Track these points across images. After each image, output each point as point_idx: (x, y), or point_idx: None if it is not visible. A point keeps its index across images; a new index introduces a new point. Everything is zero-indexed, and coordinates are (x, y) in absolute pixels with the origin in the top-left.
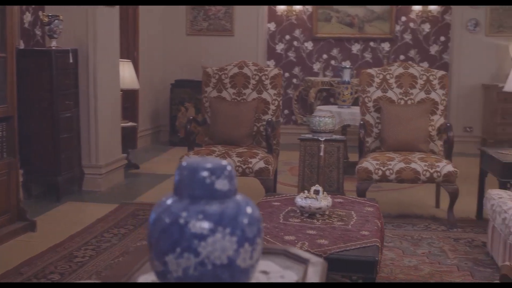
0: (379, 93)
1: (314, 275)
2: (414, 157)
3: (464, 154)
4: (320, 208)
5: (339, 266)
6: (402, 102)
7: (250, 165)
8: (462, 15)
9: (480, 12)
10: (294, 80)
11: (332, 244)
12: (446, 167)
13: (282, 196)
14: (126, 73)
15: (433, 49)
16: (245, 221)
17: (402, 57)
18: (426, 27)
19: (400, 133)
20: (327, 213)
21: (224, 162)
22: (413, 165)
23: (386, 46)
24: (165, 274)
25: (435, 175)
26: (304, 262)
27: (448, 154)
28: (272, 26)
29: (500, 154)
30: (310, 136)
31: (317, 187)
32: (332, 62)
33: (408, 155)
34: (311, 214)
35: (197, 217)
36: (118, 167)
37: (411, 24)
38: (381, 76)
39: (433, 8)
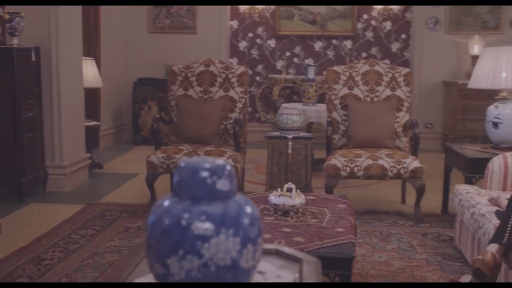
0: (345, 91)
1: (310, 274)
2: (381, 154)
3: (425, 150)
4: (294, 206)
5: None
6: (368, 99)
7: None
8: (423, 13)
9: (440, 10)
10: (257, 78)
11: (308, 241)
12: (412, 163)
13: (253, 194)
14: (89, 72)
15: (395, 46)
16: (247, 221)
17: (364, 54)
18: (388, 25)
19: (366, 130)
20: (300, 210)
21: (223, 162)
22: (380, 162)
23: (348, 43)
24: (166, 277)
25: (402, 171)
26: (297, 261)
27: (414, 150)
28: (234, 23)
29: (466, 150)
30: (277, 134)
31: (290, 184)
32: (295, 59)
33: (375, 151)
34: (285, 212)
35: (199, 218)
36: (82, 167)
37: (373, 22)
38: (347, 74)
39: (394, 6)
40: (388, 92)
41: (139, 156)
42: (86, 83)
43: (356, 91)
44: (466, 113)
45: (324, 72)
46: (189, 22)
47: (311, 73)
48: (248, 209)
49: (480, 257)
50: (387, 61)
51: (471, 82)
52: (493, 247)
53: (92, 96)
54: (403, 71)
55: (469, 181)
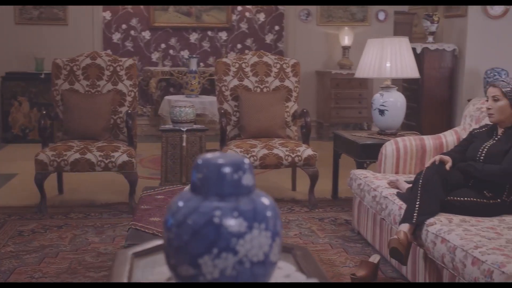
0: (235, 82)
1: (307, 262)
2: (274, 143)
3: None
4: None
5: None
6: (258, 90)
7: (113, 159)
8: (295, 5)
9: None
10: None
11: None
12: (306, 151)
13: (162, 189)
14: None
15: (269, 37)
16: (272, 214)
17: (239, 46)
18: (261, 17)
19: (258, 120)
20: None
21: (241, 156)
22: (275, 151)
23: (223, 35)
24: (196, 278)
25: (296, 159)
26: (288, 250)
27: (306, 139)
28: (107, 15)
29: (355, 137)
30: (171, 127)
31: None
32: (171, 51)
33: (268, 141)
34: None
35: (232, 214)
36: None
37: (247, 14)
38: (237, 65)
39: None
40: (277, 82)
41: (13, 155)
42: None
43: (246, 82)
44: (339, 102)
45: (201, 64)
46: (60, 13)
47: (193, 65)
48: (268, 202)
49: (395, 236)
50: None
51: (357, 72)
52: (405, 227)
53: None
54: (291, 61)
55: (360, 166)
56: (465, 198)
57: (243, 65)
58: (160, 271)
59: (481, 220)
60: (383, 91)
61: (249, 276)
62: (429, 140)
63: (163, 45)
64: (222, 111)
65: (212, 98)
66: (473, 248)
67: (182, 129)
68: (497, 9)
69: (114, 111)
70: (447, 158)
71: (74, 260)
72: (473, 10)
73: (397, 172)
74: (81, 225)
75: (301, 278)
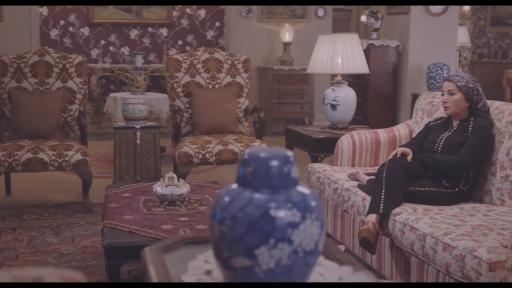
0: (187, 78)
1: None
2: (229, 139)
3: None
4: (181, 195)
5: None
6: (210, 86)
7: (67, 158)
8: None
9: None
10: None
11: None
12: (260, 146)
13: (126, 187)
14: None
15: (210, 34)
16: (317, 204)
17: (180, 42)
18: (202, 13)
19: (212, 116)
20: (186, 199)
21: (285, 150)
22: (230, 147)
23: (164, 31)
24: (251, 269)
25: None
26: None
27: (259, 134)
28: (44, 10)
29: (309, 131)
30: (124, 124)
31: (171, 174)
32: (111, 48)
33: (222, 137)
34: (171, 201)
35: (286, 206)
36: None
37: (188, 10)
38: (188, 62)
39: None
40: (228, 79)
41: None
42: None
43: (198, 78)
44: (281, 97)
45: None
46: None
47: (139, 62)
48: (312, 193)
49: (365, 227)
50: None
51: (309, 68)
52: (372, 217)
53: None
54: (242, 58)
55: (315, 159)
56: (426, 188)
57: (195, 62)
58: (195, 266)
59: (443, 208)
60: (335, 86)
61: (302, 265)
62: (383, 134)
63: (102, 42)
64: (176, 107)
65: (159, 95)
66: (443, 235)
67: (136, 126)
68: (438, 7)
69: (64, 109)
70: (408, 150)
71: (36, 262)
72: (415, 8)
73: (353, 165)
74: (36, 226)
75: (332, 265)
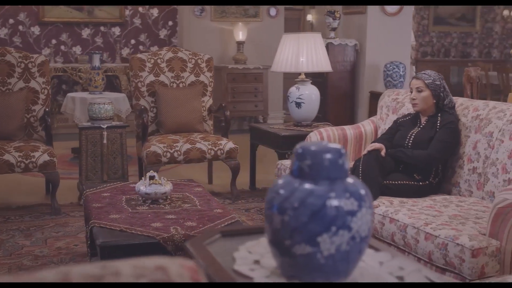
0: (152, 78)
1: None
2: (195, 138)
3: None
4: (165, 193)
5: None
6: (175, 85)
7: (34, 159)
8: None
9: None
10: None
11: (202, 225)
12: (227, 144)
13: (104, 187)
14: None
15: (162, 33)
16: (367, 193)
17: (133, 41)
18: (155, 12)
19: (177, 115)
20: (169, 197)
21: (335, 144)
22: (198, 145)
23: (117, 30)
24: (313, 255)
25: (219, 152)
26: None
27: (225, 132)
28: None
29: (276, 129)
30: (89, 124)
31: (152, 173)
32: (62, 47)
33: (189, 136)
34: (155, 200)
35: (344, 196)
36: None
37: (140, 9)
38: (152, 61)
39: None
40: (192, 78)
41: None
42: None
43: (162, 78)
44: (236, 96)
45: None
46: None
47: (96, 61)
48: (361, 184)
49: None
50: (155, 47)
51: (274, 66)
52: None
53: None
54: (205, 57)
55: (282, 156)
56: (399, 182)
57: (159, 61)
58: (242, 256)
59: (417, 200)
60: (299, 84)
61: (357, 250)
62: (349, 130)
63: (54, 41)
64: (142, 107)
65: (117, 95)
66: (424, 225)
67: (103, 126)
68: (393, 6)
69: (27, 110)
70: (381, 145)
71: (12, 265)
72: (372, 7)
73: None
74: (5, 229)
75: (370, 251)
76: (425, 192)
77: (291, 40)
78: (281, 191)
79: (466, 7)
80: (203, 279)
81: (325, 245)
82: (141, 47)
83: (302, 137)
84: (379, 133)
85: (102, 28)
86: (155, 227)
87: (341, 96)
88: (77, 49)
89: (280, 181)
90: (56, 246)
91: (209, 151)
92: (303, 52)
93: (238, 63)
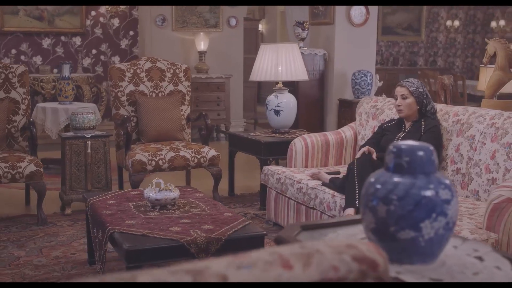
0: (131, 87)
1: None
2: (178, 146)
3: None
4: (174, 199)
5: (234, 245)
6: (154, 94)
7: (20, 170)
8: (151, 11)
9: (167, 8)
10: None
11: (218, 228)
12: (210, 152)
13: (106, 194)
14: None
15: (124, 43)
16: (452, 185)
17: (94, 51)
18: (116, 22)
19: (158, 124)
20: (177, 203)
21: (424, 143)
22: (182, 153)
23: (77, 40)
24: (416, 239)
25: (202, 160)
26: None
27: (206, 140)
28: None
29: (257, 136)
30: (72, 134)
31: (158, 179)
32: (22, 57)
33: (171, 144)
34: (163, 206)
35: (440, 187)
36: None
37: (101, 19)
38: (131, 71)
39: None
40: (171, 87)
41: None
42: None
43: (142, 87)
44: (199, 104)
45: (55, 70)
46: None
47: (66, 71)
48: (446, 176)
49: (351, 212)
50: (117, 57)
51: (252, 75)
52: (350, 211)
53: None
54: (182, 67)
55: (264, 163)
56: None
57: (138, 71)
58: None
59: None
60: (277, 93)
61: (449, 234)
62: (331, 136)
63: (13, 51)
64: (126, 116)
65: (87, 105)
66: None
67: (87, 136)
68: (359, 18)
69: (8, 120)
70: (372, 149)
71: (15, 275)
72: (339, 19)
73: (306, 166)
74: None
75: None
76: None
77: (269, 50)
78: (378, 186)
79: (412, 17)
80: (383, 254)
81: (426, 230)
82: (102, 57)
83: (283, 143)
84: (359, 138)
85: (63, 38)
86: (175, 231)
87: (311, 103)
88: (38, 59)
89: (374, 179)
90: (53, 256)
91: (193, 158)
92: (282, 61)
93: (201, 73)
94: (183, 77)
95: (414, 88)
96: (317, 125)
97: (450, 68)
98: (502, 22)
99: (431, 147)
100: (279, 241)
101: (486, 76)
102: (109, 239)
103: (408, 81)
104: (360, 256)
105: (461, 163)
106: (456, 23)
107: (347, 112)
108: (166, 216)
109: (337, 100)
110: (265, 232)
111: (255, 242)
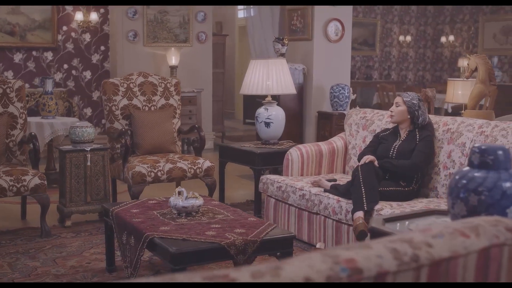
0: (125, 101)
1: None
2: (173, 158)
3: None
4: (199, 206)
5: (267, 246)
6: (147, 108)
7: (25, 183)
8: (122, 26)
9: (138, 23)
10: None
11: (249, 231)
12: (205, 163)
13: (126, 204)
14: None
15: (95, 58)
16: None
17: (66, 66)
18: (87, 37)
19: (153, 137)
20: (200, 210)
21: (497, 144)
22: (179, 165)
23: (49, 55)
24: None
25: (198, 171)
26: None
27: (199, 152)
28: None
29: (250, 147)
30: (71, 147)
31: (180, 188)
32: None
33: (166, 156)
34: (188, 213)
35: None
36: None
37: (73, 34)
38: (125, 85)
39: (93, 18)
40: (163, 101)
41: None
42: None
43: (135, 101)
44: (182, 118)
45: (27, 85)
46: None
47: (49, 86)
48: None
49: (360, 222)
50: (88, 72)
51: (243, 89)
52: (360, 214)
53: None
54: (173, 81)
55: (258, 173)
56: (389, 188)
57: (131, 85)
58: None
59: (410, 203)
60: (267, 106)
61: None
62: (324, 146)
63: None
64: (122, 129)
65: (71, 119)
66: None
67: (86, 149)
68: (335, 35)
69: (6, 135)
70: (373, 157)
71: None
72: (317, 35)
73: (301, 175)
74: (4, 253)
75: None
76: (410, 196)
77: (260, 65)
78: (464, 181)
79: (368, 33)
80: None
81: (510, 215)
82: (74, 72)
83: (276, 154)
84: (350, 148)
85: (34, 53)
86: (211, 235)
87: (291, 116)
88: (9, 74)
89: (459, 175)
90: (69, 265)
91: (189, 169)
92: (272, 76)
93: None
94: (174, 91)
95: (408, 99)
96: (297, 137)
97: (403, 82)
98: (451, 38)
99: (507, 147)
100: (372, 232)
101: (454, 89)
102: (147, 245)
103: (406, 93)
104: (511, 227)
105: (454, 168)
106: (408, 38)
107: (326, 124)
108: (196, 222)
109: (316, 112)
110: (294, 234)
111: (285, 243)
